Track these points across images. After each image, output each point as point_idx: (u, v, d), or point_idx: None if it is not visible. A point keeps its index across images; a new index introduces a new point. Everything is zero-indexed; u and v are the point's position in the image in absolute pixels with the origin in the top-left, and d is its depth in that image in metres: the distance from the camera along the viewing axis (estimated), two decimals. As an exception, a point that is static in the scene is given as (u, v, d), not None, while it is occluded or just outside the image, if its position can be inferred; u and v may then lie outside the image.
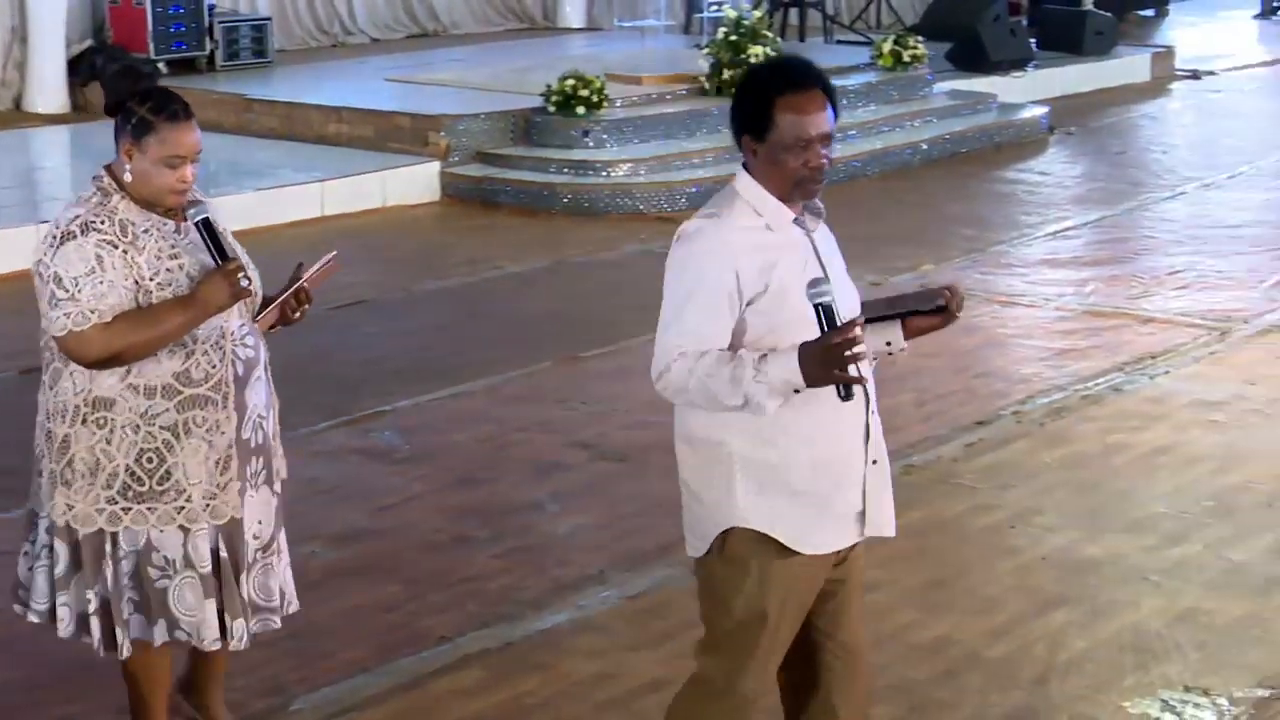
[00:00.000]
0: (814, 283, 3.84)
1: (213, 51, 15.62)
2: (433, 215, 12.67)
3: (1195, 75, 19.99)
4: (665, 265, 4.08)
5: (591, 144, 13.29)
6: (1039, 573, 6.29)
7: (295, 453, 7.38)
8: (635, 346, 9.12)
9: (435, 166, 13.03)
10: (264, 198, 12.02)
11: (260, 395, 4.50)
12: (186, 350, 4.33)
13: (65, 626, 4.51)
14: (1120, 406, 8.15)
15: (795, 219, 4.02)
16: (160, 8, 15.16)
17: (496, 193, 12.82)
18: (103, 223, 4.27)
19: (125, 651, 4.48)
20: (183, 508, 4.37)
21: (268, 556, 4.56)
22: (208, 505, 4.40)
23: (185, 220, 4.38)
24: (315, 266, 4.60)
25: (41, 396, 4.45)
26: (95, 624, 4.45)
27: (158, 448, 4.34)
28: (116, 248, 4.25)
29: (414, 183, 12.92)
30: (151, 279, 4.28)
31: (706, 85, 14.46)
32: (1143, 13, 25.18)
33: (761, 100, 3.93)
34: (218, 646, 4.52)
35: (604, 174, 12.93)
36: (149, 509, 4.36)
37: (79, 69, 15.25)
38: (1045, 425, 7.90)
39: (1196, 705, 5.29)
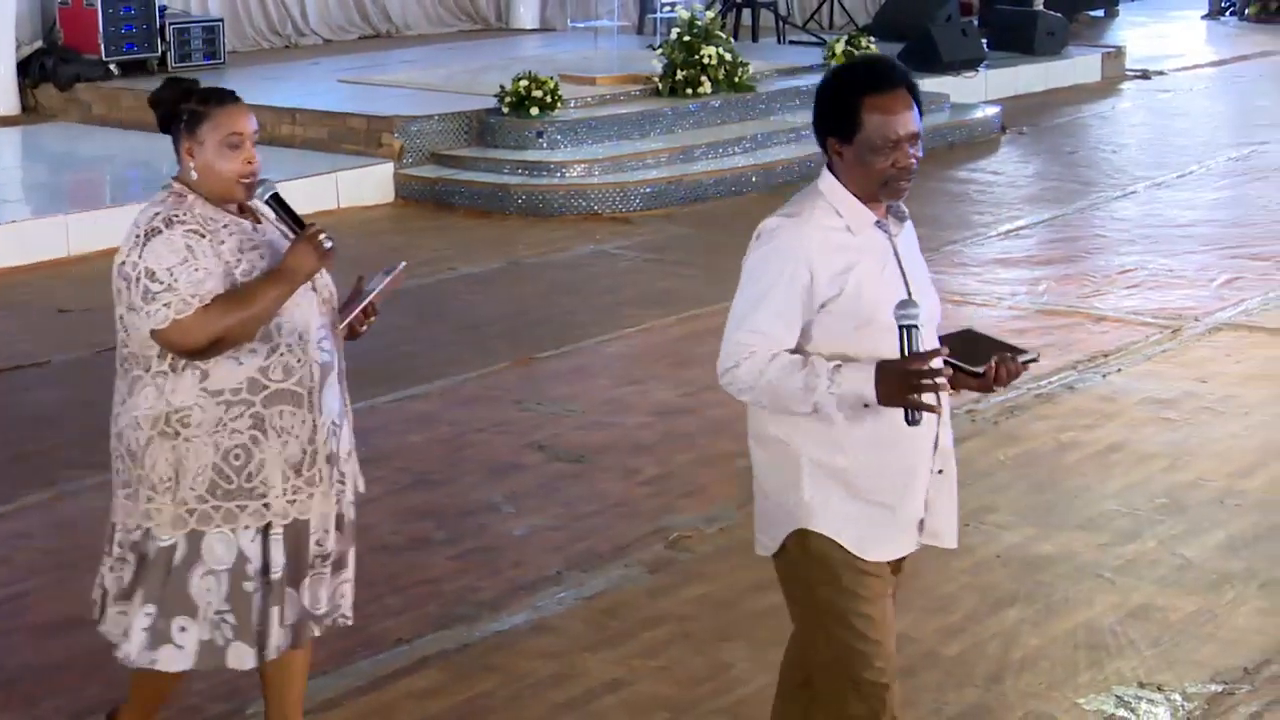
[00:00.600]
0: (903, 304, 3.82)
1: (164, 53, 15.54)
2: (387, 217, 12.65)
3: (1145, 75, 20.11)
4: (742, 261, 4.06)
5: (545, 145, 13.30)
6: (993, 571, 6.32)
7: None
8: (590, 347, 9.15)
9: (389, 168, 13.01)
10: (217, 199, 11.96)
11: (334, 402, 4.43)
12: (270, 346, 4.27)
13: (111, 629, 4.42)
14: (1073, 405, 8.20)
15: (877, 221, 4.00)
16: (111, 9, 15.08)
17: (451, 194, 12.81)
18: (184, 215, 4.23)
19: (251, 661, 4.40)
20: (269, 504, 4.31)
21: (324, 566, 4.49)
22: (293, 501, 4.34)
23: (259, 222, 4.37)
24: (385, 280, 4.53)
25: (118, 408, 4.37)
26: (142, 638, 4.34)
27: (244, 444, 4.27)
28: (204, 237, 4.22)
29: (368, 184, 12.89)
30: (236, 267, 4.24)
31: (660, 86, 14.48)
32: (1093, 13, 25.33)
33: (847, 101, 3.91)
34: (274, 656, 4.45)
35: (558, 175, 12.93)
36: (239, 506, 4.29)
37: (29, 70, 15.17)
38: (999, 424, 7.93)
39: (1150, 701, 5.32)
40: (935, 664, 5.59)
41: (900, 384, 3.76)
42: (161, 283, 4.16)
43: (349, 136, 13.38)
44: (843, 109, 3.92)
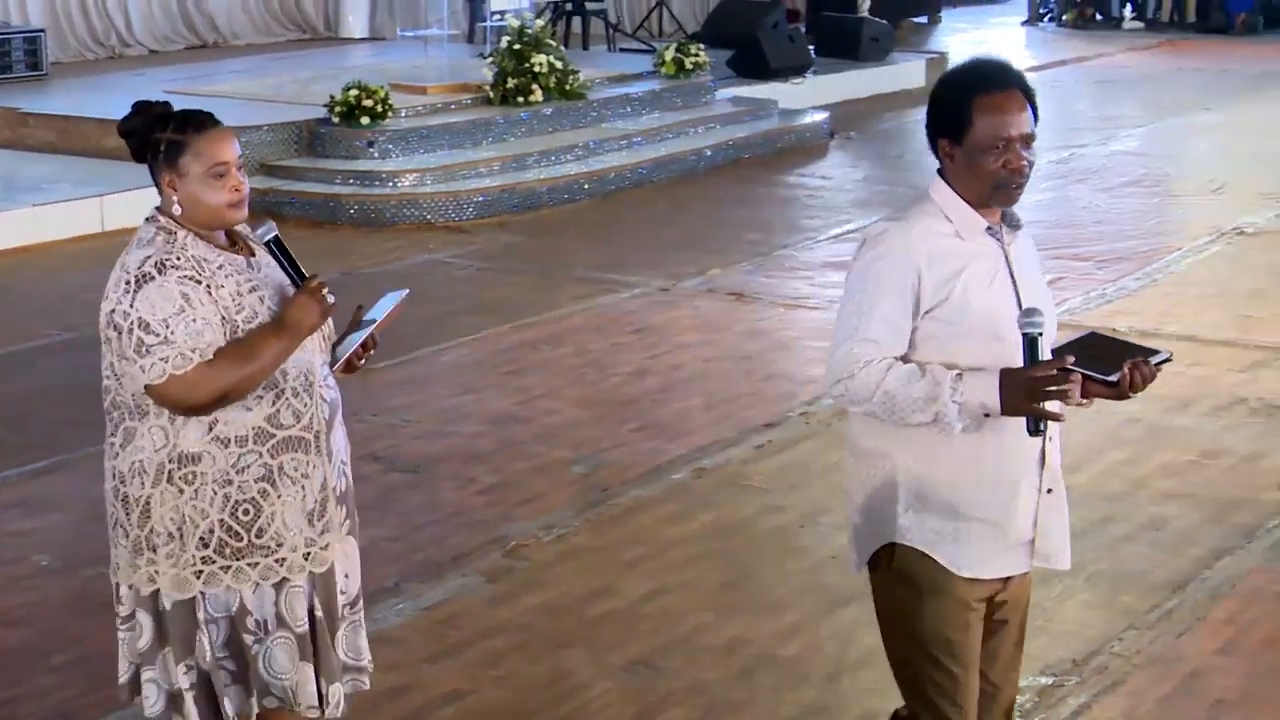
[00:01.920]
0: (1028, 311, 3.72)
1: (-16, 64, 15.27)
2: (216, 228, 12.47)
3: (969, 80, 20.41)
4: (848, 270, 3.97)
5: (377, 154, 13.23)
6: (828, 571, 6.39)
7: (77, 475, 7.30)
8: (425, 356, 9.12)
9: (218, 179, 12.84)
10: (40, 214, 11.77)
11: (340, 441, 4.22)
12: (276, 392, 4.03)
13: (152, 705, 4.12)
14: (904, 406, 8.30)
15: (989, 228, 3.88)
16: (-72, 20, 14.78)
17: (281, 205, 12.68)
18: (178, 259, 3.97)
19: None
20: (284, 559, 4.05)
21: (355, 613, 4.29)
22: (308, 554, 4.09)
23: (253, 254, 4.14)
24: (387, 309, 4.26)
25: (110, 462, 4.13)
26: (190, 702, 4.07)
27: (253, 498, 4.01)
28: (200, 283, 3.96)
29: (197, 196, 12.70)
30: (237, 313, 3.99)
31: (491, 94, 14.46)
32: (917, 20, 25.72)
33: (959, 100, 3.80)
34: (315, 715, 4.18)
35: (390, 184, 12.86)
36: (250, 564, 4.02)
37: None
38: (832, 426, 8.02)
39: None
40: (773, 665, 5.65)
41: (1026, 391, 3.66)
42: (157, 335, 3.91)
43: (177, 148, 13.17)
44: (953, 108, 3.81)
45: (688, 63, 16.03)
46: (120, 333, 3.96)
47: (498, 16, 15.41)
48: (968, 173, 3.83)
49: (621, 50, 18.87)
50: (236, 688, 4.11)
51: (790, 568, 6.44)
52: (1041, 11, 27.53)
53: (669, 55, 16.08)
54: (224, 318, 3.97)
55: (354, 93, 13.27)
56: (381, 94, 13.35)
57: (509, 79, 14.39)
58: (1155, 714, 5.34)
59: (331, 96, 13.40)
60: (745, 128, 15.74)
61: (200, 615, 4.04)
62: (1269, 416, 8.12)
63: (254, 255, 4.16)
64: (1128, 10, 26.95)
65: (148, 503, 4.03)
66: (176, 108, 4.18)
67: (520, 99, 14.36)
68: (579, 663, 5.65)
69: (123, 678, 4.18)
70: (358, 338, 4.22)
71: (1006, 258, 3.88)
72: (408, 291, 4.34)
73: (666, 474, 7.41)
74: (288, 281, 4.12)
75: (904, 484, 3.90)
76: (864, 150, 16.12)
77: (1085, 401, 3.87)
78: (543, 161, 13.57)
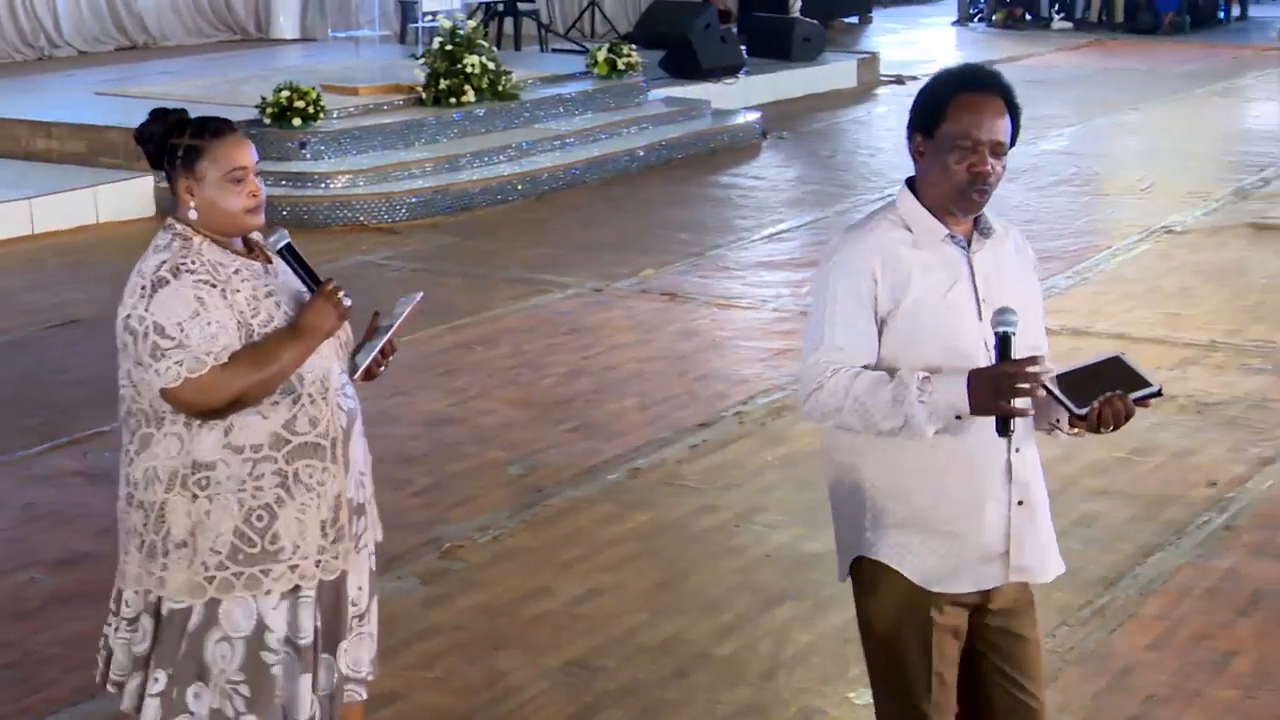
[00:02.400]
0: (1000, 311, 3.65)
1: (-90, 66, 15.13)
2: (148, 231, 12.11)
3: (899, 80, 20.54)
4: (812, 282, 3.90)
5: (309, 156, 13.18)
6: (763, 570, 6.42)
7: (11, 478, 7.26)
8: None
9: (150, 181, 12.75)
10: (-32, 216, 11.68)
11: (359, 452, 4.20)
12: (293, 398, 4.00)
13: (128, 701, 4.13)
14: (837, 405, 8.34)
15: (950, 236, 3.81)
16: None
17: (213, 207, 12.61)
18: (193, 263, 3.95)
19: None
20: (296, 565, 4.01)
21: (362, 626, 4.28)
22: (319, 562, 4.05)
23: (270, 261, 4.12)
24: (403, 313, 4.21)
25: (124, 469, 4.07)
26: (154, 706, 4.04)
27: (267, 504, 3.99)
28: (215, 287, 3.94)
29: (128, 199, 12.65)
30: (253, 318, 3.97)
31: (424, 95, 14.43)
32: (848, 20, 25.86)
33: (939, 94, 3.76)
34: None
35: (323, 186, 12.82)
36: (262, 571, 3.99)
37: None
38: (766, 425, 8.06)
39: (917, 692, 5.44)
40: (708, 664, 5.67)
41: (994, 388, 3.60)
42: (172, 339, 3.88)
43: (108, 150, 13.11)
44: (932, 101, 3.76)
45: (620, 63, 16.04)
46: (135, 337, 3.93)
47: (430, 17, 15.39)
48: (933, 172, 3.78)
49: (554, 51, 18.88)
50: (252, 717, 4.05)
51: (725, 567, 6.46)
52: (971, 12, 27.75)
53: (601, 56, 16.09)
54: (240, 322, 3.95)
55: (285, 94, 13.21)
56: (313, 95, 13.29)
57: (441, 80, 14.36)
58: (1087, 710, 5.39)
59: (263, 98, 13.34)
60: (678, 128, 15.76)
61: (202, 624, 4.01)
62: (1198, 414, 8.20)
63: (270, 262, 4.14)
64: (1056, 10, 27.14)
65: (162, 508, 3.99)
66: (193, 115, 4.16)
67: (453, 100, 14.34)
68: (515, 664, 5.65)
69: (116, 677, 4.15)
70: (376, 344, 4.20)
71: (971, 269, 3.81)
72: (421, 295, 4.31)
73: (601, 474, 7.41)
74: (303, 288, 4.10)
75: (869, 497, 3.87)
76: (796, 150, 16.17)
77: (1075, 431, 3.83)
78: (475, 162, 13.55)
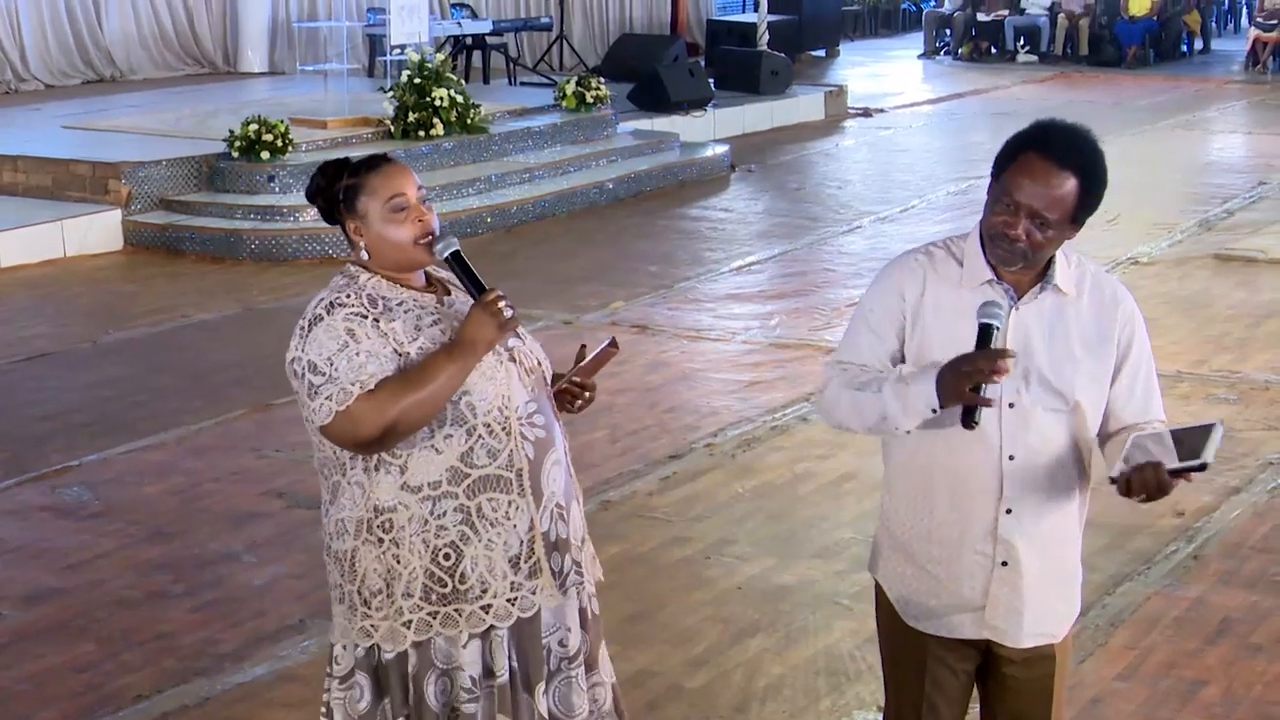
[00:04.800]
0: (988, 303, 3.61)
1: (-124, 100, 15.08)
2: (116, 265, 12.39)
3: (866, 113, 20.65)
4: None
5: (277, 189, 13.17)
6: (734, 602, 6.42)
7: (-22, 512, 7.23)
8: (328, 392, 9.06)
9: (117, 215, 12.76)
10: (-65, 250, 11.64)
11: (558, 483, 3.96)
12: (467, 429, 3.83)
13: None
14: (807, 435, 8.37)
15: (993, 281, 3.71)
16: None
17: (181, 240, 12.61)
18: (349, 297, 3.82)
19: None
20: (489, 605, 3.86)
21: (573, 668, 4.02)
22: (513, 600, 3.88)
23: (448, 293, 3.99)
24: (593, 355, 4.10)
25: (323, 519, 3.99)
26: None
27: (452, 541, 3.83)
28: (366, 318, 3.79)
29: (95, 232, 12.62)
30: (411, 344, 3.81)
31: (392, 128, 14.44)
32: (815, 53, 25.96)
33: (1013, 143, 3.73)
34: None
35: (291, 219, 12.80)
36: (456, 611, 3.84)
37: None
38: (736, 456, 8.07)
39: (888, 723, 5.45)
40: (680, 696, 5.66)
41: (955, 373, 3.54)
42: (323, 374, 3.77)
43: (74, 183, 13.08)
44: (1006, 148, 3.73)
45: (589, 96, 16.09)
46: (297, 380, 3.87)
47: (398, 51, 15.39)
48: (984, 216, 3.73)
49: (522, 84, 18.91)
50: None
51: (696, 599, 6.46)
52: (938, 45, 27.90)
53: (570, 89, 16.13)
54: (396, 350, 3.80)
55: (253, 127, 13.21)
56: (281, 128, 13.30)
57: (410, 113, 14.38)
58: (1058, 739, 5.39)
59: (231, 131, 13.33)
60: (646, 161, 15.80)
61: (410, 669, 3.89)
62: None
63: (448, 294, 4.01)
64: (1021, 44, 27.28)
65: (353, 558, 3.89)
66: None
67: (421, 133, 14.36)
68: (486, 697, 5.63)
69: None
70: (565, 379, 4.09)
71: (1007, 320, 3.68)
72: (613, 338, 4.18)
73: (572, 507, 7.40)
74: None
75: (885, 514, 3.96)
76: (764, 182, 16.22)
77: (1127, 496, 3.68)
78: (444, 195, 13.55)
